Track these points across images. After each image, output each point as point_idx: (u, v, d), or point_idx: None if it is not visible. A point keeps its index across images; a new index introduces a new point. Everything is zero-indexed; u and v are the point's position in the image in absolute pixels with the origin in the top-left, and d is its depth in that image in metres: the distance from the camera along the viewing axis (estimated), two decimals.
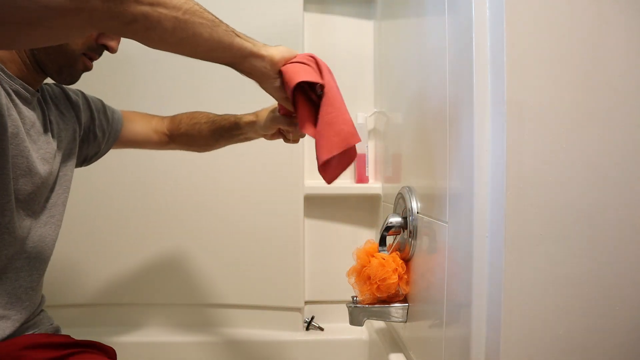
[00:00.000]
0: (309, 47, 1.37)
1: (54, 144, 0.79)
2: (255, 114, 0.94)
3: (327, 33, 1.39)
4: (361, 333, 1.33)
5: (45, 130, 0.78)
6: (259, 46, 0.66)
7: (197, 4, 0.58)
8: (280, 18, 1.29)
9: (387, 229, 0.98)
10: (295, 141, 0.92)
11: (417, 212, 0.93)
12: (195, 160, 1.29)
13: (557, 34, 0.65)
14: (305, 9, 1.33)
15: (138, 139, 1.00)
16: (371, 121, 1.40)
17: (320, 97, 0.70)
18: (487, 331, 0.67)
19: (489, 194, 0.67)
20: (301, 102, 0.71)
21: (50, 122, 0.80)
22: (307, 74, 0.68)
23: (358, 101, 1.40)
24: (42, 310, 0.82)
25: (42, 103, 0.80)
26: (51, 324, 0.82)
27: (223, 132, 0.97)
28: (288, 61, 0.69)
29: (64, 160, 0.84)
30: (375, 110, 1.39)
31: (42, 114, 0.78)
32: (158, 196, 1.32)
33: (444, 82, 0.78)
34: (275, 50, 0.68)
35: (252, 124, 0.94)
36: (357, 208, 1.41)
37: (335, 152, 0.69)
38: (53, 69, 0.73)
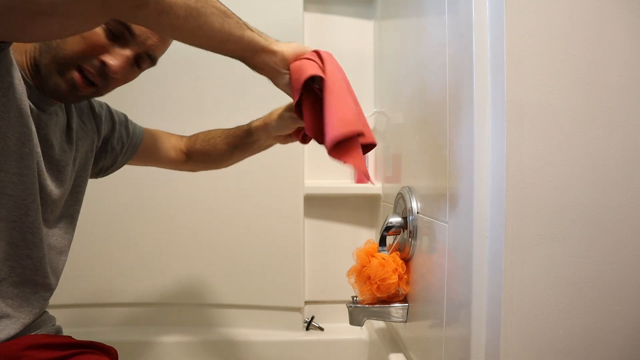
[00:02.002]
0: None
1: (70, 154, 0.78)
2: (265, 116, 0.91)
3: (327, 33, 1.39)
4: (361, 333, 1.33)
5: (62, 140, 0.77)
6: (270, 41, 0.66)
7: None
8: (280, 18, 1.29)
9: (387, 229, 0.98)
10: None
11: (417, 212, 0.93)
12: None
13: (557, 33, 0.65)
14: (305, 9, 1.33)
15: (156, 156, 0.99)
16: (371, 121, 1.40)
17: (321, 89, 0.69)
18: (487, 331, 0.67)
19: (489, 194, 0.67)
20: (307, 104, 0.69)
21: (71, 130, 0.79)
22: (310, 68, 0.66)
23: (358, 101, 1.40)
24: (44, 312, 0.82)
25: (66, 111, 0.79)
26: (53, 325, 0.82)
27: (237, 142, 0.95)
28: (299, 57, 0.68)
29: (79, 171, 0.83)
30: (375, 110, 1.39)
31: (60, 123, 0.77)
32: (157, 196, 1.32)
33: (444, 82, 0.78)
34: (286, 47, 0.67)
35: (264, 127, 0.90)
36: (357, 208, 1.41)
37: (339, 132, 0.64)
38: (45, 76, 0.69)
